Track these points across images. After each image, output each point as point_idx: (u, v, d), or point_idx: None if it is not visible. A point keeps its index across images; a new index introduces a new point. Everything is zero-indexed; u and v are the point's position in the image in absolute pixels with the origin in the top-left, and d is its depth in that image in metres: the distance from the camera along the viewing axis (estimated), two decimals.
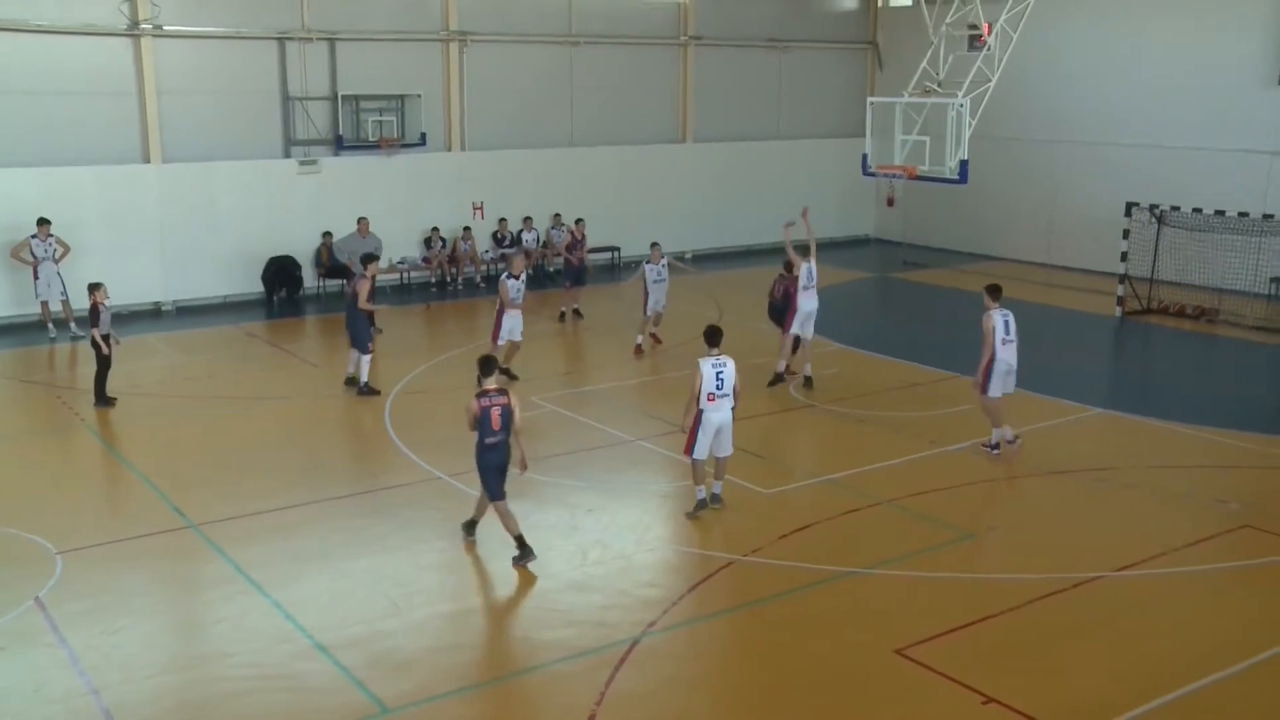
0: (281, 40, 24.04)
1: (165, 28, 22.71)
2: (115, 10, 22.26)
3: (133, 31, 22.45)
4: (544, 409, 16.20)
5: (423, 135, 25.57)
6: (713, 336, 12.29)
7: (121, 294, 22.48)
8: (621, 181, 28.44)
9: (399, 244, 25.15)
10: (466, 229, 26.15)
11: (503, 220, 26.64)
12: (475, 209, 26.58)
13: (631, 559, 11.44)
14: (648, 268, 19.64)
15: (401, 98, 25.27)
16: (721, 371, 12.06)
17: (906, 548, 11.54)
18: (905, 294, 26.39)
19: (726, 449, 12.28)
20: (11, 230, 21.16)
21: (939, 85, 20.14)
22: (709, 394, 12.03)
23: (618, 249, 28.32)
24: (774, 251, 30.15)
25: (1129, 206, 22.87)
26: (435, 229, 25.76)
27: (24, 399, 17.50)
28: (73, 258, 21.22)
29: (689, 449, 12.20)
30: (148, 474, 13.67)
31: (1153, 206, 22.98)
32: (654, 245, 20.13)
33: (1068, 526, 12.15)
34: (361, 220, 21.01)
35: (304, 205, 24.28)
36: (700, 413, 12.07)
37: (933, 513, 12.47)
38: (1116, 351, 21.49)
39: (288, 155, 24.45)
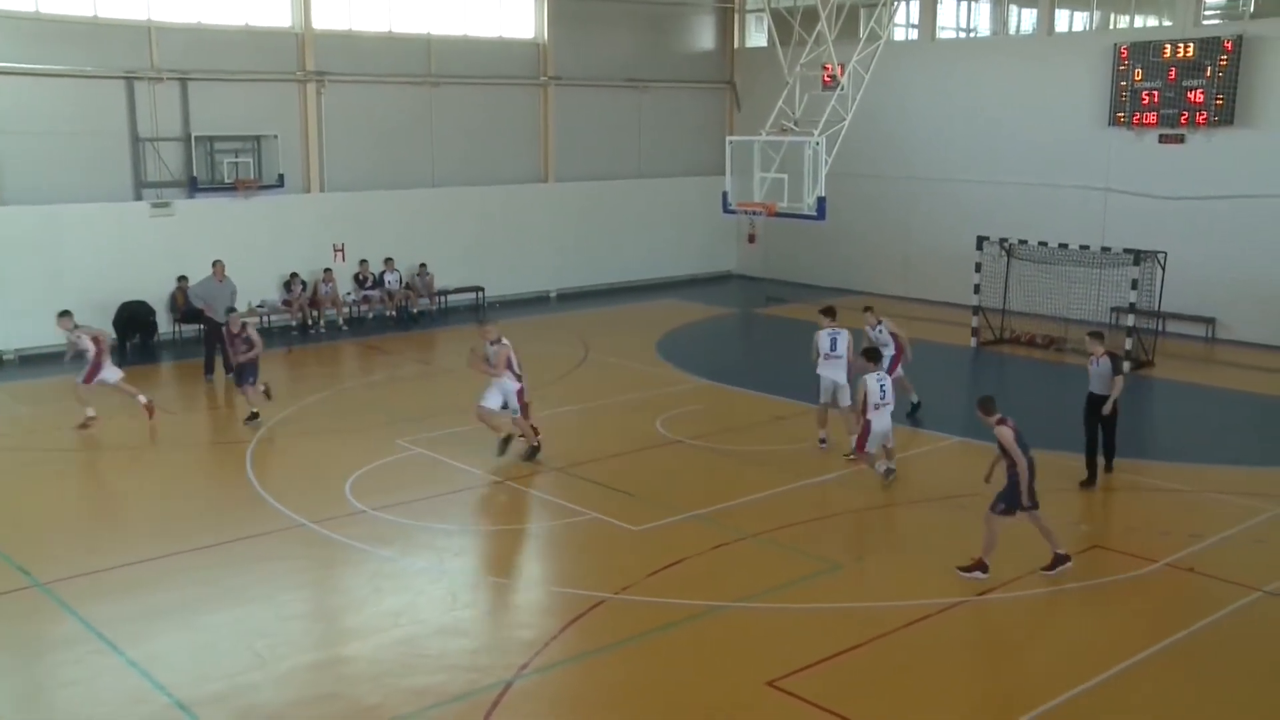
0: (129, 79, 23.35)
1: (1, 64, 21.85)
2: None
3: None
4: (410, 452, 15.96)
5: (280, 176, 25.11)
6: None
7: None
8: (484, 221, 28.35)
9: (258, 287, 24.57)
10: (327, 271, 25.71)
11: (364, 262, 26.27)
12: (336, 251, 26.16)
13: (502, 601, 11.32)
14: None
15: (258, 138, 24.80)
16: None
17: (775, 580, 11.65)
18: (768, 329, 26.83)
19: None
20: None
21: (795, 124, 20.63)
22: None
23: (481, 289, 28.18)
24: (638, 290, 30.47)
25: (980, 240, 23.77)
26: (295, 273, 25.26)
27: None
28: None
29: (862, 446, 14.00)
30: None
31: (1002, 240, 23.91)
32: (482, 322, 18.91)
33: (931, 553, 12.43)
34: (217, 263, 20.45)
35: (158, 249, 23.53)
36: (869, 422, 13.94)
37: (800, 545, 12.64)
38: (973, 380, 22.20)
39: (139, 198, 23.70)
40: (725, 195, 21.42)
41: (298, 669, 9.92)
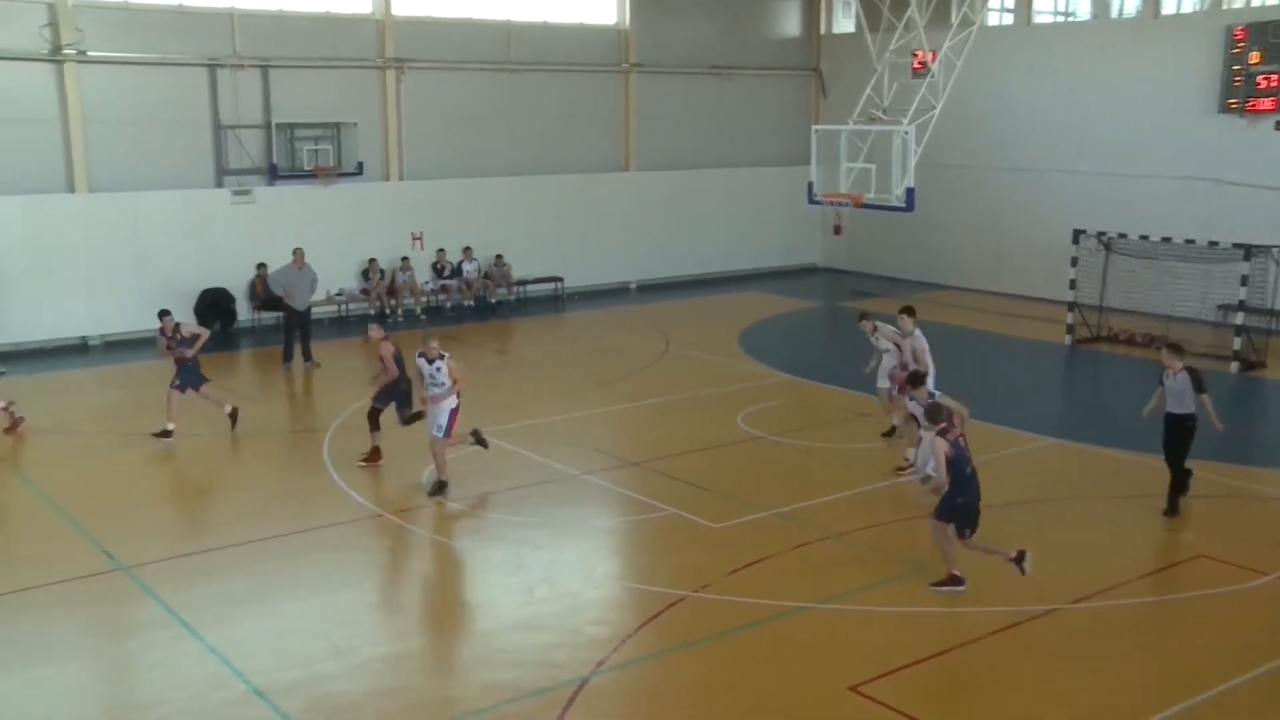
0: (212, 67, 23.90)
1: (89, 54, 22.50)
2: (37, 35, 22.02)
3: (55, 57, 22.21)
4: (490, 443, 16.10)
5: (360, 164, 25.50)
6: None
7: (46, 329, 22.21)
8: (563, 211, 28.53)
9: (336, 275, 25.00)
10: (405, 259, 26.07)
11: (441, 251, 26.59)
12: (414, 239, 26.52)
13: (579, 596, 11.40)
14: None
15: (338, 126, 25.21)
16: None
17: (858, 582, 11.58)
18: (853, 323, 26.56)
19: None
20: None
21: (884, 113, 20.45)
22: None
23: (560, 280, 28.36)
24: (720, 282, 30.45)
25: (1076, 234, 23.33)
26: (373, 260, 25.65)
27: None
28: None
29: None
30: (74, 515, 13.42)
31: (1100, 234, 23.46)
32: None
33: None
34: (297, 251, 20.87)
35: (238, 236, 24.08)
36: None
37: (884, 545, 12.55)
38: (1067, 379, 21.84)
39: (220, 185, 24.26)
40: (810, 186, 21.31)
41: (373, 660, 10.10)
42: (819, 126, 22.10)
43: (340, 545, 12.57)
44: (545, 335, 24.81)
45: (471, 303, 26.76)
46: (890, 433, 16.16)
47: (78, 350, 22.61)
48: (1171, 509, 13.44)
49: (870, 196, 20.07)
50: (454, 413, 14.04)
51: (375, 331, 15.55)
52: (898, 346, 15.69)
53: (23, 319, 22.06)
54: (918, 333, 15.24)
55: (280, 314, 21.80)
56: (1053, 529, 13.11)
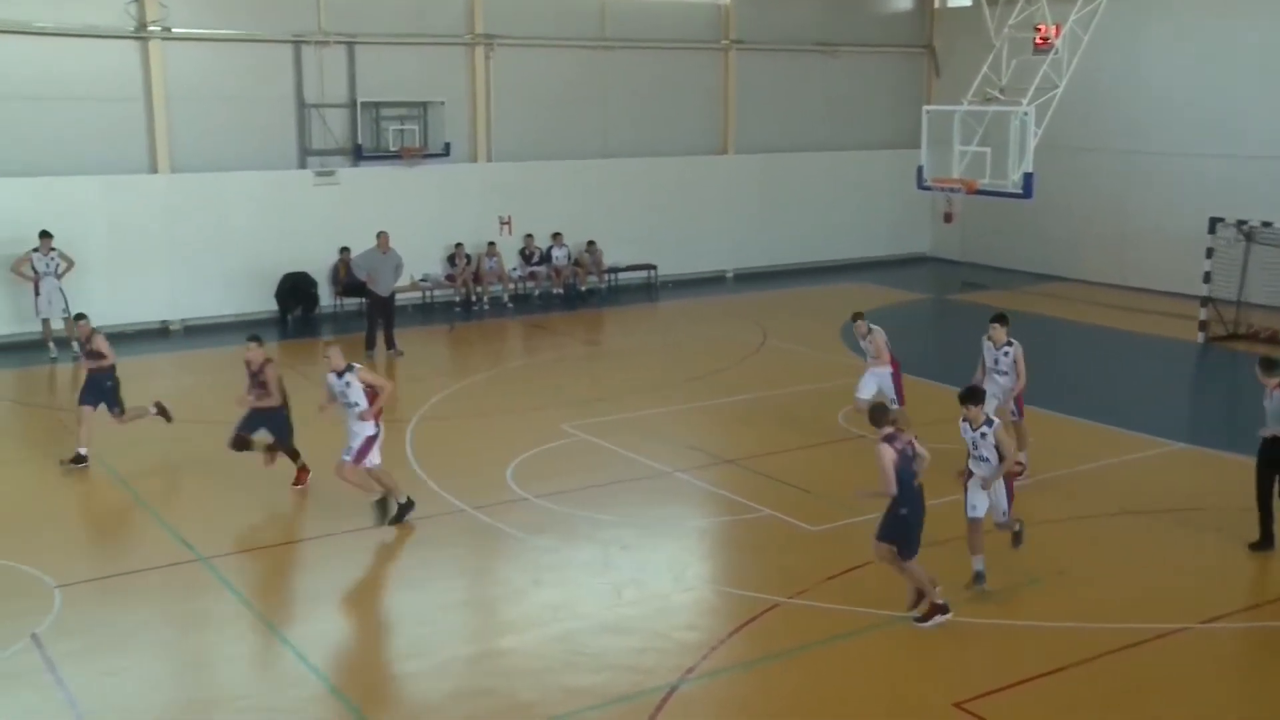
0: (297, 43, 24.36)
1: (174, 30, 23.07)
2: (122, 12, 22.64)
3: (140, 34, 22.81)
4: (575, 437, 16.22)
5: (446, 145, 25.79)
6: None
7: (126, 313, 22.84)
8: (658, 195, 28.54)
9: (421, 260, 25.30)
10: (491, 244, 26.31)
11: (529, 236, 26.78)
12: (502, 223, 26.75)
13: (669, 599, 11.42)
14: None
15: (424, 105, 25.52)
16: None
17: (965, 592, 11.41)
18: (963, 318, 26.20)
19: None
20: (12, 244, 21.49)
21: (1001, 92, 20.09)
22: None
23: (653, 267, 28.38)
24: (821, 271, 30.24)
25: (1213, 222, 22.64)
26: (459, 245, 25.92)
27: (23, 422, 17.70)
28: (76, 273, 21.51)
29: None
30: (153, 503, 13.80)
31: (1240, 222, 22.75)
32: None
33: (1148, 572, 11.99)
34: (381, 235, 21.18)
35: (320, 219, 24.52)
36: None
37: (994, 554, 12.33)
38: (1200, 381, 21.29)
39: (303, 166, 24.73)
40: (920, 170, 21.04)
41: (455, 660, 10.23)
42: (931, 107, 21.80)
43: (422, 541, 12.74)
44: (637, 325, 24.87)
45: (560, 290, 26.94)
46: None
47: (158, 335, 23.23)
48: (1265, 540, 12.28)
49: (985, 182, 19.76)
50: (370, 439, 12.66)
51: (254, 352, 13.91)
52: (892, 359, 15.48)
53: (103, 303, 22.62)
54: (1003, 348, 14.49)
55: (363, 300, 22.14)
56: (1181, 542, 12.78)
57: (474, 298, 25.99)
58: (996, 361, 14.58)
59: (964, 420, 11.56)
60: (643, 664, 10.05)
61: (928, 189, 21.30)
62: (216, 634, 10.75)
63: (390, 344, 21.22)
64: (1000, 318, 14.86)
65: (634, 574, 11.92)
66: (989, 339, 14.68)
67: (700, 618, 11.10)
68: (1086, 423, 17.10)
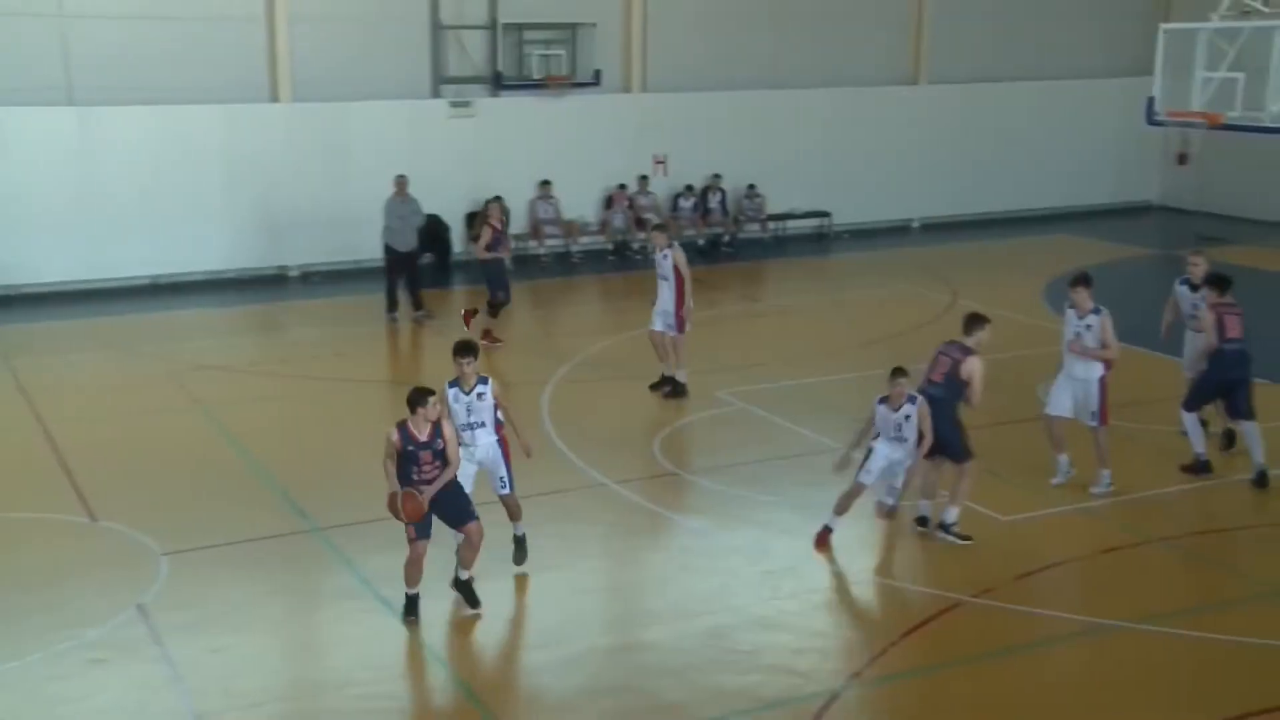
0: None
1: None
2: None
3: None
4: (732, 406, 16.26)
5: (597, 72, 25.97)
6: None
7: (243, 257, 23.66)
8: (835, 132, 28.29)
9: (569, 203, 25.57)
10: (643, 178, 26.41)
11: (690, 187, 26.81)
12: (656, 162, 26.83)
13: (832, 593, 11.43)
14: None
15: (573, 27, 25.71)
16: None
17: (1187, 600, 11.21)
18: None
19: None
20: (131, 175, 22.42)
21: (1264, 3, 19.27)
22: None
23: (827, 215, 28.15)
24: (1025, 222, 29.58)
25: None
26: (623, 186, 26.05)
27: (133, 372, 18.47)
28: (193, 211, 22.40)
29: None
30: (268, 467, 14.33)
31: None
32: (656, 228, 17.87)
33: None
34: (400, 179, 20.88)
35: (455, 155, 24.95)
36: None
37: (1226, 557, 12.08)
38: None
39: (437, 95, 25.18)
40: (1152, 101, 20.36)
41: (589, 652, 10.39)
42: (1169, 25, 21.03)
43: (555, 518, 12.88)
44: (805, 281, 24.76)
45: (728, 237, 26.86)
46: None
47: (275, 281, 24.00)
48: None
49: (1233, 115, 19.05)
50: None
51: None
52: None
53: (220, 246, 23.51)
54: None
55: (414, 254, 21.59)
56: None
57: (634, 245, 26.09)
58: (1079, 335, 13.39)
59: (880, 403, 12.10)
60: (800, 666, 10.08)
61: (1160, 124, 20.66)
62: (329, 613, 11.14)
63: (418, 304, 21.13)
64: (1084, 278, 13.70)
65: (793, 563, 11.92)
66: (1071, 307, 13.51)
67: (867, 616, 11.07)
68: None
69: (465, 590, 10.85)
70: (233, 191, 23.52)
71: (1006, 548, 12.15)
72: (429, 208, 24.79)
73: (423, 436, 10.36)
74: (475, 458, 11.37)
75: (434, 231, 24.82)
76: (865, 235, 28.28)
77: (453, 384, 11.27)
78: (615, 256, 26.05)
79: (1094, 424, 13.36)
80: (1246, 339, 13.79)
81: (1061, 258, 25.82)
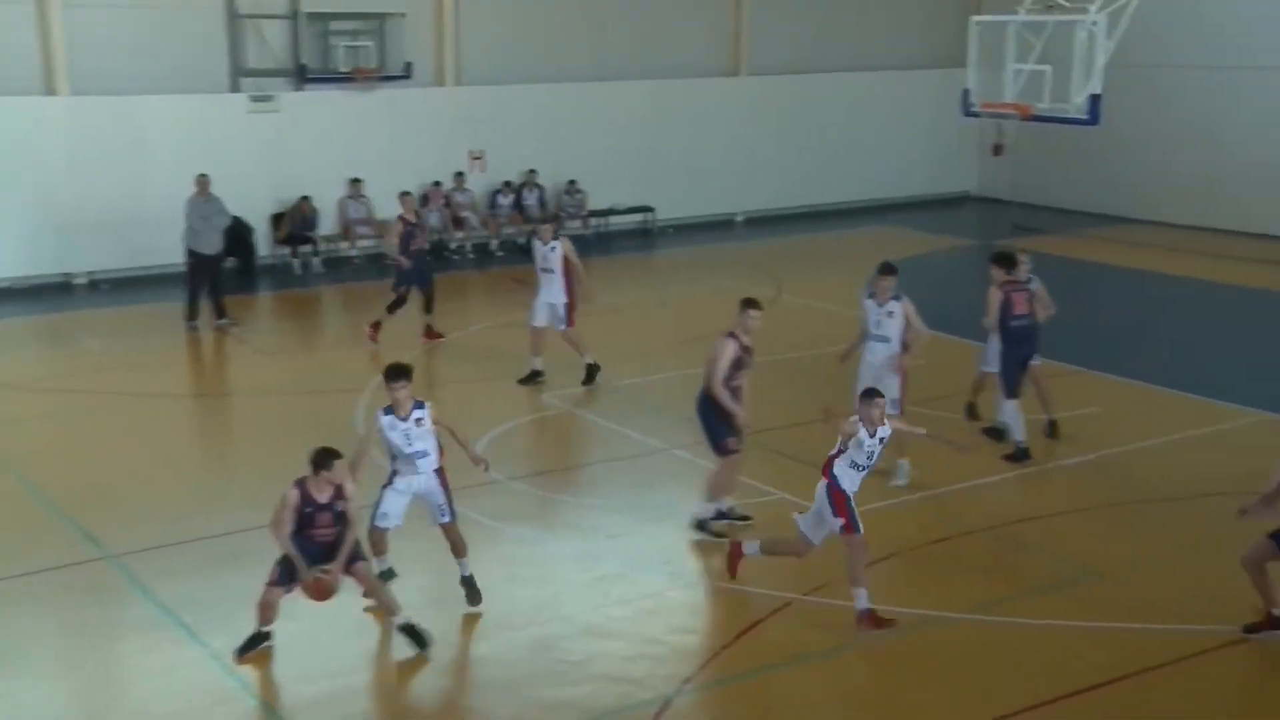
0: None
1: None
2: None
3: None
4: (556, 409, 16.18)
5: (407, 65, 25.67)
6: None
7: (15, 263, 22.68)
8: (656, 125, 28.43)
9: (382, 202, 25.20)
10: (459, 175, 26.23)
11: (507, 184, 26.69)
12: (473, 159, 26.62)
13: (663, 597, 11.42)
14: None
15: (381, 17, 25.37)
16: None
17: (1011, 587, 11.48)
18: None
19: None
20: None
21: None
22: None
23: (650, 210, 28.27)
24: (846, 214, 30.14)
25: None
26: (437, 184, 25.78)
27: None
28: None
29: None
30: (53, 491, 13.72)
31: None
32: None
33: (1226, 567, 11.84)
34: (201, 178, 20.43)
35: (257, 153, 24.37)
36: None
37: (1048, 544, 12.41)
38: None
39: (236, 89, 24.54)
40: (966, 93, 21.00)
41: (412, 671, 10.20)
42: (980, 18, 21.69)
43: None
44: (629, 278, 24.77)
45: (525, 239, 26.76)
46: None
47: (60, 290, 23.12)
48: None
49: (1042, 106, 19.71)
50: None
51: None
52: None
53: None
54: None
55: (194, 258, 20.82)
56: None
57: (452, 246, 25.84)
58: (879, 324, 13.80)
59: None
60: (632, 673, 10.05)
61: (975, 115, 21.26)
62: (127, 645, 10.71)
63: (221, 311, 20.64)
64: (890, 268, 14.06)
65: (623, 568, 11.90)
66: (871, 296, 13.92)
67: (700, 619, 11.10)
68: (1160, 390, 17.18)
69: (410, 633, 10.32)
70: (4, 192, 22.50)
71: (834, 544, 12.24)
72: (231, 208, 24.18)
73: (322, 498, 9.96)
74: (414, 488, 10.98)
75: (238, 234, 24.21)
76: (689, 230, 28.49)
77: (387, 411, 10.81)
78: (432, 257, 25.70)
79: (894, 412, 13.60)
80: (1032, 316, 14.52)
81: (884, 249, 26.30)
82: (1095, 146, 27.43)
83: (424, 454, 10.90)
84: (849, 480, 10.75)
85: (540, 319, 17.03)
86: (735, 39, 29.67)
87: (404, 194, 20.29)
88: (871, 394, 10.92)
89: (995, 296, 14.39)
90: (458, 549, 11.10)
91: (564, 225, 26.79)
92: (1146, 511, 13.34)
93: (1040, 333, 14.62)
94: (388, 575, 11.24)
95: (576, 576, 11.78)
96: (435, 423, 10.93)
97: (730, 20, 29.56)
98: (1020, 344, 14.45)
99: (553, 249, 16.93)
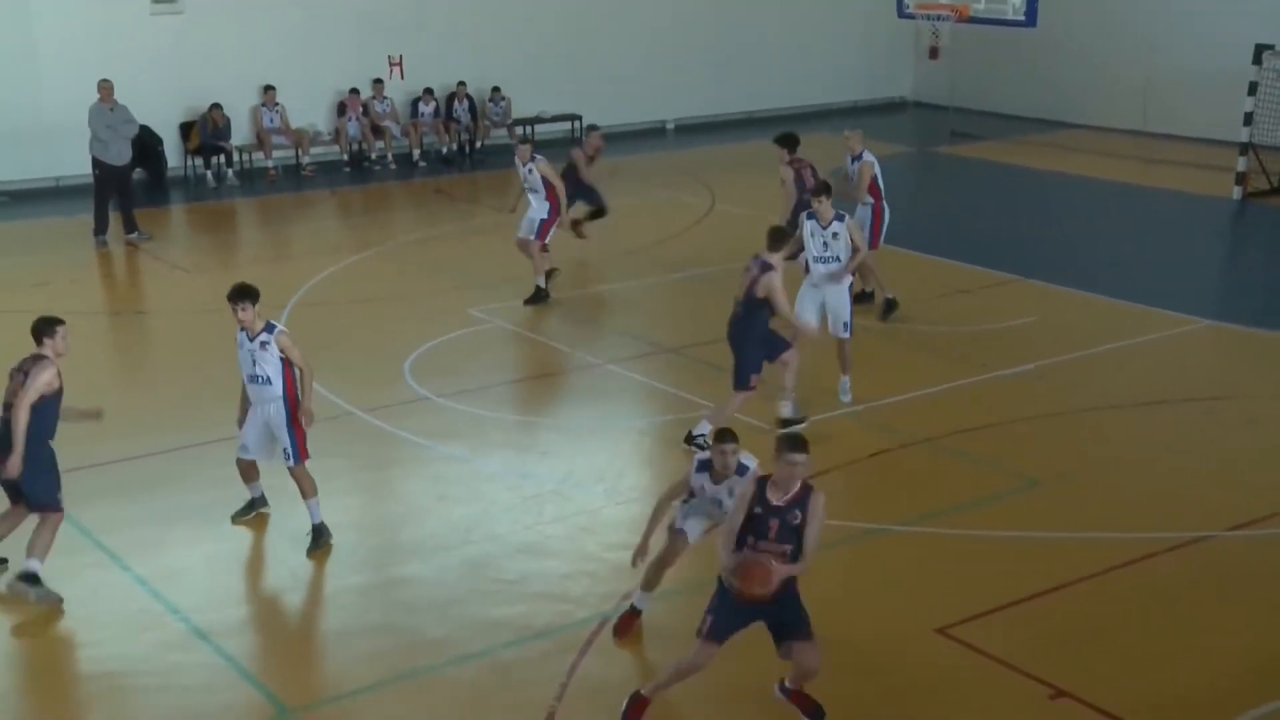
0: None
1: None
2: None
3: None
4: (486, 324, 16.22)
5: None
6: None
7: None
8: (583, 30, 28.20)
9: (296, 110, 24.91)
10: (378, 82, 25.94)
11: (429, 91, 26.39)
12: (391, 65, 26.32)
13: (599, 515, 11.54)
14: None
15: None
16: None
17: (952, 498, 11.64)
18: (953, 174, 26.37)
19: None
20: None
21: None
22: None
23: (578, 117, 28.14)
24: (781, 121, 30.11)
25: (1259, 51, 22.59)
26: (354, 91, 25.46)
27: None
28: None
29: None
30: None
31: None
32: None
33: (1165, 473, 12.26)
34: (103, 84, 20.03)
35: (162, 57, 23.95)
36: None
37: (986, 454, 12.59)
38: (1236, 246, 21.61)
39: None
40: None
41: (343, 592, 10.32)
42: None
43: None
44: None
45: (456, 147, 26.57)
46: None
47: None
48: None
49: (979, 7, 19.78)
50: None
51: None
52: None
53: None
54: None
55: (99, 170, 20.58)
56: (1208, 435, 13.08)
57: (374, 156, 25.62)
58: (826, 246, 13.75)
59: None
60: (569, 591, 10.19)
61: (910, 17, 21.30)
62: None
63: (131, 225, 20.44)
64: (825, 187, 14.17)
65: (557, 486, 12.01)
66: (812, 218, 13.85)
67: (636, 535, 11.18)
68: (1098, 298, 17.36)
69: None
70: None
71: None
72: (138, 117, 23.77)
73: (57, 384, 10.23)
74: (262, 418, 10.84)
75: (146, 144, 23.86)
76: (620, 138, 28.27)
77: (242, 328, 10.68)
78: (351, 168, 25.54)
79: (845, 335, 13.76)
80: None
81: (820, 155, 26.35)
82: (1033, 48, 27.54)
83: (265, 380, 10.72)
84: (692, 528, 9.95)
85: (524, 232, 17.12)
86: None
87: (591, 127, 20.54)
88: (725, 435, 9.37)
89: (789, 174, 16.53)
90: (305, 491, 10.89)
91: (489, 135, 26.83)
92: (1086, 420, 13.59)
93: None
94: (259, 503, 11.29)
95: (509, 495, 11.86)
96: (283, 352, 10.69)
97: None
98: None
99: (530, 169, 17.02)
